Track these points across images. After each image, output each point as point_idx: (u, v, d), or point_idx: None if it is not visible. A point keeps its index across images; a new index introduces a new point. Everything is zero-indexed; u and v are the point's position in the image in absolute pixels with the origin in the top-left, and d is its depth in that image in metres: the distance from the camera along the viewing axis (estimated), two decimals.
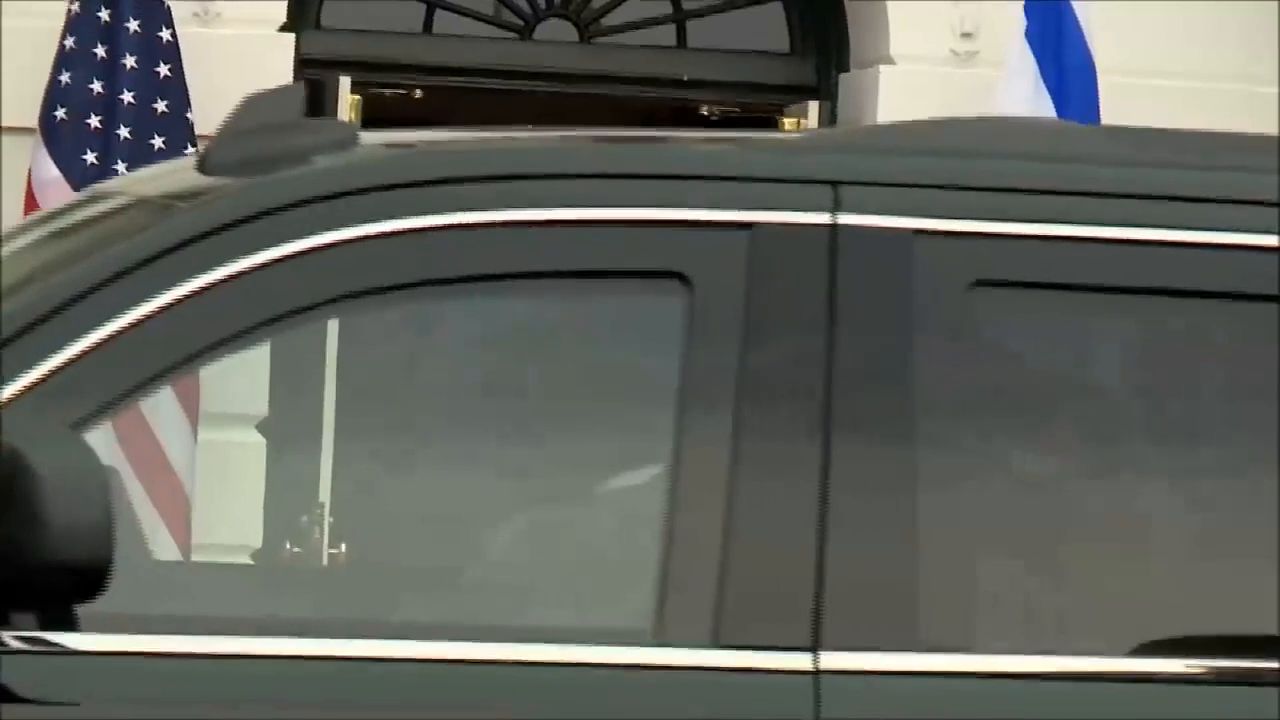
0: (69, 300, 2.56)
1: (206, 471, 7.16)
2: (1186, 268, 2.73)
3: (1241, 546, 2.71)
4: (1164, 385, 2.77)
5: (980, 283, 2.68)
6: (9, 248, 2.95)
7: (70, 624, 2.48)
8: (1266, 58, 8.28)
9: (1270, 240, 2.70)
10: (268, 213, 2.59)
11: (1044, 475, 2.72)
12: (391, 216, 2.61)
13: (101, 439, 4.88)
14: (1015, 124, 3.22)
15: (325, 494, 4.10)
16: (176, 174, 2.99)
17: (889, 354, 2.65)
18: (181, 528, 6.45)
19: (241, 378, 4.26)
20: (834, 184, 2.70)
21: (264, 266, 2.57)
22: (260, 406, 6.12)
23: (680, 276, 2.63)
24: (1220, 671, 2.64)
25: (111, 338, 2.56)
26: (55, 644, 2.48)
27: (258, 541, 6.19)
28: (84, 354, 2.56)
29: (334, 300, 2.62)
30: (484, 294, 2.71)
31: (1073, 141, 3.04)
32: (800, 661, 2.53)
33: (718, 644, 2.51)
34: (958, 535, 2.61)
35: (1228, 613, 2.71)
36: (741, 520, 2.57)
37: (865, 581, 2.57)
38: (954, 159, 2.78)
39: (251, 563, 5.46)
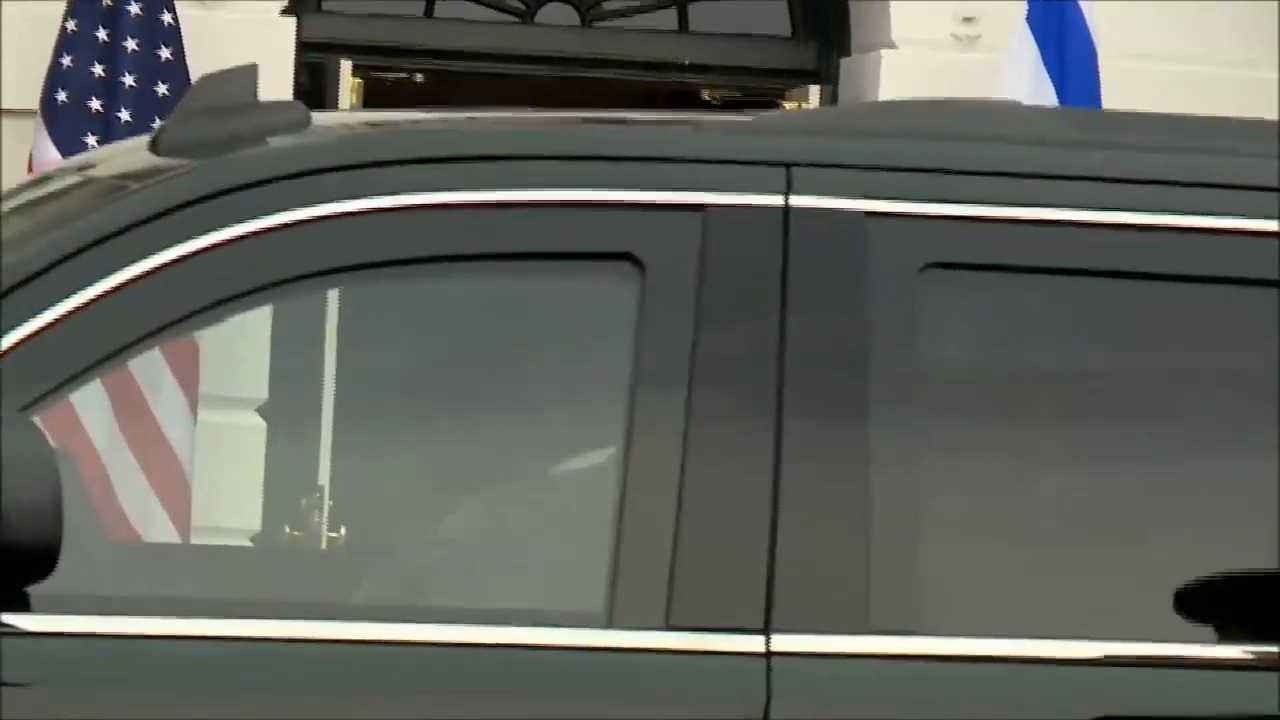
0: (18, 282, 2.58)
1: (206, 454, 7.32)
2: (1138, 250, 2.76)
3: (1225, 531, 2.73)
4: (1117, 365, 2.80)
5: (932, 265, 2.70)
6: None
7: (23, 605, 2.52)
8: (1264, 42, 8.37)
9: (1228, 223, 2.72)
10: (222, 192, 2.61)
11: (997, 458, 2.75)
12: (345, 198, 2.63)
13: (101, 422, 4.88)
14: (968, 106, 3.28)
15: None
16: (130, 154, 3.02)
17: (842, 336, 2.69)
18: (181, 510, 6.59)
19: (242, 360, 4.35)
20: (787, 166, 2.73)
21: (218, 246, 2.59)
22: (261, 390, 6.24)
23: (632, 258, 2.66)
24: (1181, 658, 2.67)
25: (62, 319, 2.58)
26: (6, 625, 2.50)
27: (257, 524, 6.30)
28: (34, 335, 2.58)
29: (286, 281, 2.64)
30: (436, 275, 2.72)
31: (1025, 123, 3.06)
32: (752, 644, 2.56)
33: (670, 626, 2.54)
34: (910, 518, 2.64)
35: (1172, 593, 2.72)
36: (694, 503, 2.60)
37: (817, 564, 2.60)
38: (906, 141, 2.79)
39: (208, 544, 5.56)
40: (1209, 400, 2.76)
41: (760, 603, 2.57)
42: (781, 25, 8.77)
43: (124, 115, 7.47)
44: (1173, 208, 2.74)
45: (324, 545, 4.38)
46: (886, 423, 2.65)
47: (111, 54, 7.49)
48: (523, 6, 8.27)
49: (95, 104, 7.43)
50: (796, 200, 2.67)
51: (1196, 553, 2.74)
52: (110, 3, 7.43)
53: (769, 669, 2.57)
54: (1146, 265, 2.74)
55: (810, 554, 2.61)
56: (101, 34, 7.46)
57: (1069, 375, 2.83)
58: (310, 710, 2.56)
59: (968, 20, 8.37)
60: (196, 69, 7.56)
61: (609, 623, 2.56)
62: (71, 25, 7.46)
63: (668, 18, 8.68)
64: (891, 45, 8.30)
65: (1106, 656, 2.67)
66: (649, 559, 2.55)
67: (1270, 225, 2.74)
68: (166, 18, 7.52)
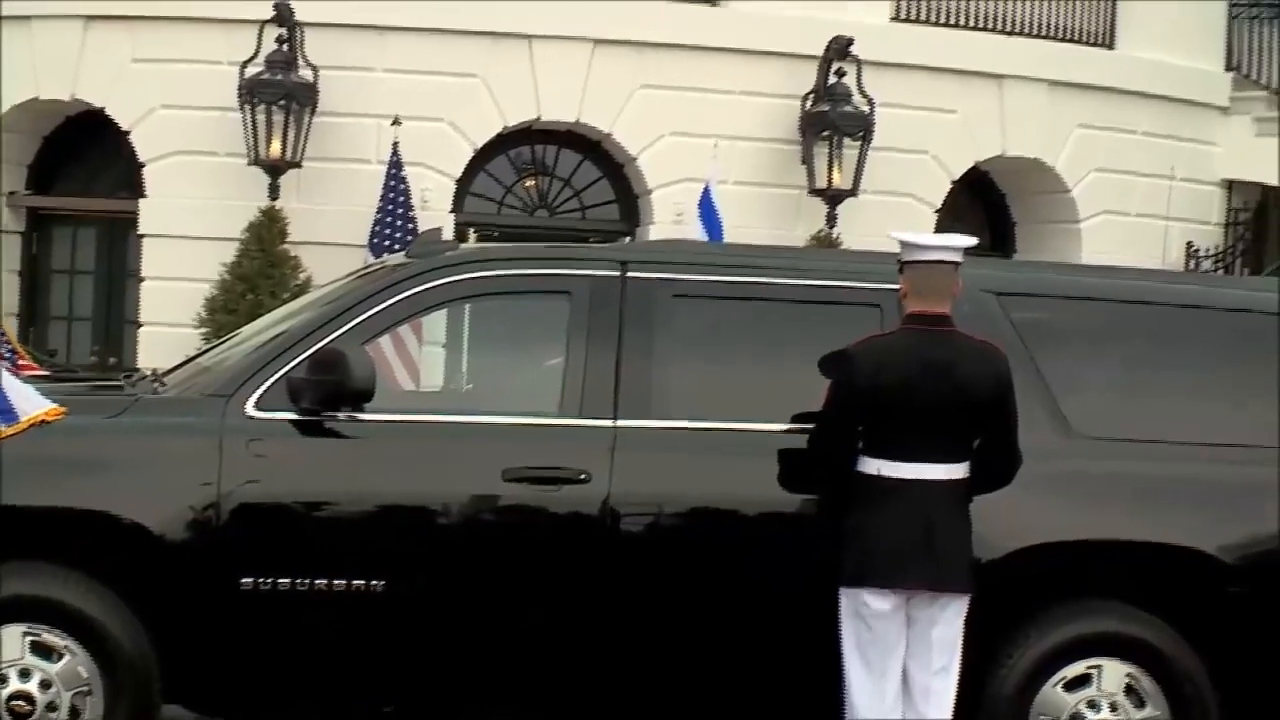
0: (361, 300, 6.52)
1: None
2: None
3: None
4: None
5: (676, 295, 6.46)
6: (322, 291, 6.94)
7: (362, 410, 6.27)
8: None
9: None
10: (431, 269, 6.67)
11: None
12: (474, 271, 6.66)
13: (387, 348, 8.29)
14: (685, 240, 10.87)
15: None
16: (398, 257, 7.33)
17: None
18: (414, 382, 9.79)
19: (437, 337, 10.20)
20: (622, 262, 6.50)
21: (425, 290, 6.63)
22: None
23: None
24: None
25: (378, 313, 6.53)
26: (357, 418, 6.27)
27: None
28: (380, 312, 6.65)
29: (449, 302, 6.70)
30: (508, 299, 6.72)
31: (703, 247, 9.57)
32: None
33: None
34: None
35: None
36: None
37: None
38: (669, 247, 7.71)
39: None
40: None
41: None
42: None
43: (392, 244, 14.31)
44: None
45: None
46: None
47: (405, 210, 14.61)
48: None
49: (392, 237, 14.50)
50: (630, 273, 6.40)
51: None
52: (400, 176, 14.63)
53: None
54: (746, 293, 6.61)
55: None
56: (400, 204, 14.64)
57: None
58: None
59: (679, 216, 15.73)
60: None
61: None
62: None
63: None
64: (652, 222, 15.78)
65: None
66: None
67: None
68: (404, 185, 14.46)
